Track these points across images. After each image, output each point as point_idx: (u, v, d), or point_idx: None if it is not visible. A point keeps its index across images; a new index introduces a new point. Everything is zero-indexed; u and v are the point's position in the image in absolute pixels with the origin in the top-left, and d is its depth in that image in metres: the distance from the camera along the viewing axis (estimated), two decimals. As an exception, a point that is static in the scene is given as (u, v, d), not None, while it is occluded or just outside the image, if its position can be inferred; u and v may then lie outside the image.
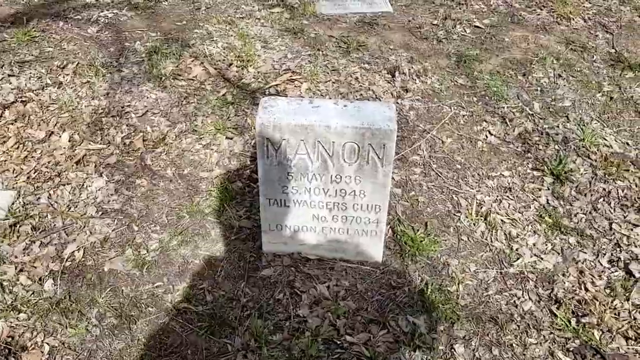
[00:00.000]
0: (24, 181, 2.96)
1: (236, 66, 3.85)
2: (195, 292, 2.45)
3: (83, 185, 2.95)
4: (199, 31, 4.26)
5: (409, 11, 4.69)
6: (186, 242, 2.68)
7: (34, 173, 3.01)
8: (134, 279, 2.51)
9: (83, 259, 2.58)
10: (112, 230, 2.73)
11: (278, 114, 2.18)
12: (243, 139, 3.28)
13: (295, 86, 3.66)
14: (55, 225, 2.73)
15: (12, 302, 2.37)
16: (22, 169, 3.03)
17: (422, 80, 3.80)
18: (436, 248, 2.68)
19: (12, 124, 3.31)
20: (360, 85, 3.70)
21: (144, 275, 2.53)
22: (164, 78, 3.71)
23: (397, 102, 3.55)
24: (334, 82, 3.71)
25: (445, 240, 2.74)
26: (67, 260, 2.57)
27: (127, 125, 3.34)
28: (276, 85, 3.68)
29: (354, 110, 2.21)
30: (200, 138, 3.28)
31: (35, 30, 4.18)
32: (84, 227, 2.73)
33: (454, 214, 2.89)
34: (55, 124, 3.32)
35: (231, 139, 3.28)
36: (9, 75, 3.69)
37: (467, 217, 2.86)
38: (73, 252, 2.60)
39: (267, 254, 2.59)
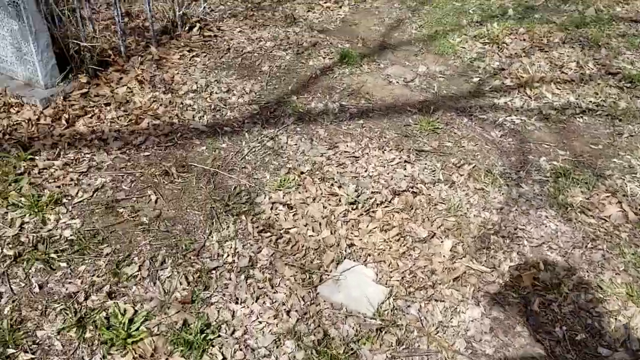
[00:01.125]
0: (397, 280, 2.76)
1: (665, 218, 3.05)
2: None
3: (456, 308, 2.59)
4: (618, 161, 3.59)
5: None
6: None
7: (409, 275, 2.79)
8: None
9: (440, 405, 2.18)
10: (479, 382, 2.27)
11: None
12: (666, 322, 2.47)
13: None
14: (419, 346, 2.42)
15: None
16: (398, 265, 2.85)
17: None
18: None
19: (398, 212, 3.21)
20: None
21: None
22: (569, 208, 3.16)
23: None
24: None
25: None
26: (423, 397, 2.21)
27: (517, 253, 2.89)
28: None
29: None
30: (604, 299, 2.60)
31: (438, 122, 4.16)
32: (449, 362, 2.35)
33: None
34: (439, 227, 3.10)
35: (649, 315, 2.50)
36: (406, 162, 3.67)
37: None
38: (432, 390, 2.24)
39: None
